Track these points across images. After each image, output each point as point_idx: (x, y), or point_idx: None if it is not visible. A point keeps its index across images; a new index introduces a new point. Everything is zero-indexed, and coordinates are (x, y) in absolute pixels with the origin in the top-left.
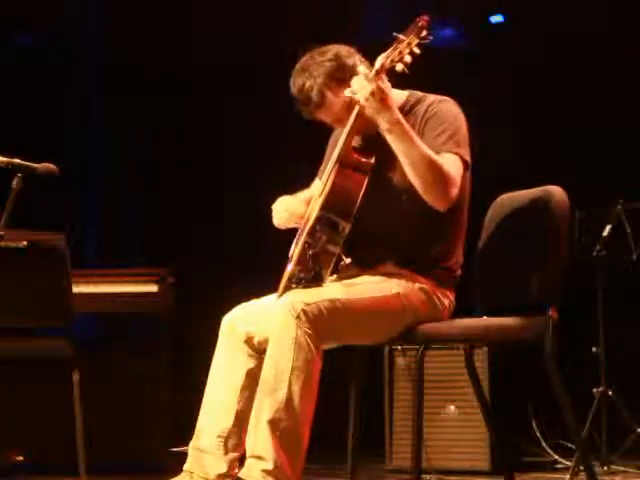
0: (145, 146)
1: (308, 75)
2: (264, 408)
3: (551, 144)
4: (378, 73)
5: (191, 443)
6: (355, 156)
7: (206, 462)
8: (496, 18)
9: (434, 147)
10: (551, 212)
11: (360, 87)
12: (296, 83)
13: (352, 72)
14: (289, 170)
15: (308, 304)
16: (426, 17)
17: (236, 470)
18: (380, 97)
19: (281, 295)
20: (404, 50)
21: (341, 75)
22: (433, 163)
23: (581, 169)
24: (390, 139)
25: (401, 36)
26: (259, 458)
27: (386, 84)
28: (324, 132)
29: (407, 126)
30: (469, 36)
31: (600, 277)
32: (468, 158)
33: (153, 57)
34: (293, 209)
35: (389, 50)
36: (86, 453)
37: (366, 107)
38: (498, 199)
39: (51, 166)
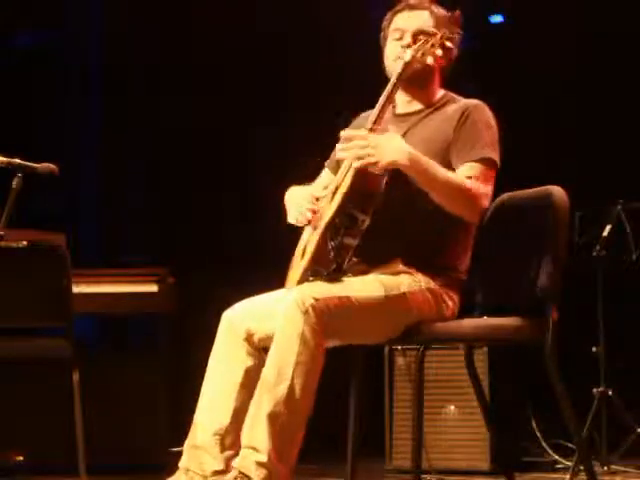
0: (145, 146)
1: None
2: (265, 400)
3: (551, 144)
4: (373, 125)
5: (187, 440)
6: None
7: (202, 459)
8: (496, 18)
9: (471, 153)
10: (551, 212)
11: (359, 149)
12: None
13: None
14: (289, 170)
15: (317, 299)
16: (459, 12)
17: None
18: (378, 145)
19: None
20: (436, 43)
21: (442, 21)
22: (456, 185)
23: (581, 169)
24: (410, 175)
25: (432, 29)
26: (254, 449)
27: (382, 127)
28: (323, 132)
29: (420, 157)
30: (469, 36)
31: (600, 277)
32: (498, 160)
33: (153, 57)
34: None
35: (420, 43)
36: (86, 453)
37: (378, 161)
38: (498, 199)
39: (51, 166)
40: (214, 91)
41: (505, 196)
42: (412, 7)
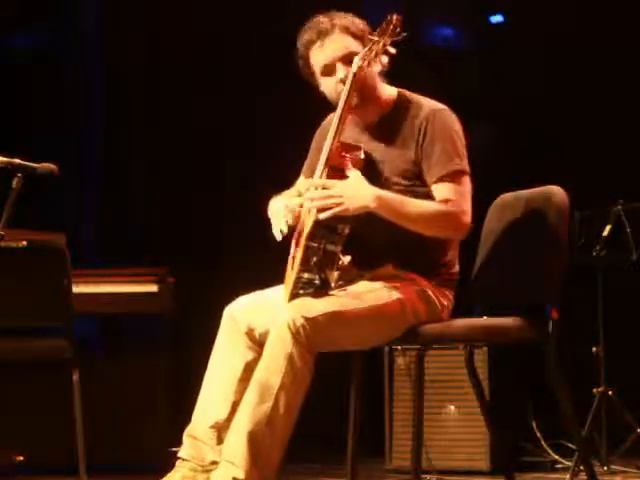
0: (145, 146)
1: (329, 18)
2: (247, 417)
3: (551, 144)
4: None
5: (186, 430)
6: (343, 154)
7: (201, 450)
8: (496, 18)
9: (438, 170)
10: (551, 212)
11: (322, 198)
12: (315, 22)
13: (365, 37)
14: (288, 170)
15: (308, 319)
16: (398, 16)
17: None
18: (345, 193)
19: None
20: (380, 51)
21: (357, 32)
22: (432, 215)
23: (581, 169)
24: (382, 214)
25: (375, 37)
26: (233, 464)
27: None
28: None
29: (389, 196)
30: (469, 36)
31: (600, 277)
32: (467, 169)
33: (153, 57)
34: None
35: (364, 51)
36: (86, 453)
37: (346, 208)
38: (498, 199)
39: (51, 166)
40: (214, 91)
41: (505, 196)
42: (321, 34)
